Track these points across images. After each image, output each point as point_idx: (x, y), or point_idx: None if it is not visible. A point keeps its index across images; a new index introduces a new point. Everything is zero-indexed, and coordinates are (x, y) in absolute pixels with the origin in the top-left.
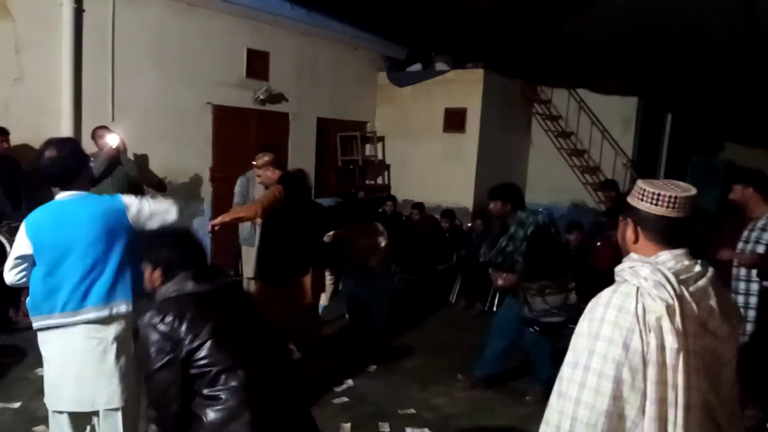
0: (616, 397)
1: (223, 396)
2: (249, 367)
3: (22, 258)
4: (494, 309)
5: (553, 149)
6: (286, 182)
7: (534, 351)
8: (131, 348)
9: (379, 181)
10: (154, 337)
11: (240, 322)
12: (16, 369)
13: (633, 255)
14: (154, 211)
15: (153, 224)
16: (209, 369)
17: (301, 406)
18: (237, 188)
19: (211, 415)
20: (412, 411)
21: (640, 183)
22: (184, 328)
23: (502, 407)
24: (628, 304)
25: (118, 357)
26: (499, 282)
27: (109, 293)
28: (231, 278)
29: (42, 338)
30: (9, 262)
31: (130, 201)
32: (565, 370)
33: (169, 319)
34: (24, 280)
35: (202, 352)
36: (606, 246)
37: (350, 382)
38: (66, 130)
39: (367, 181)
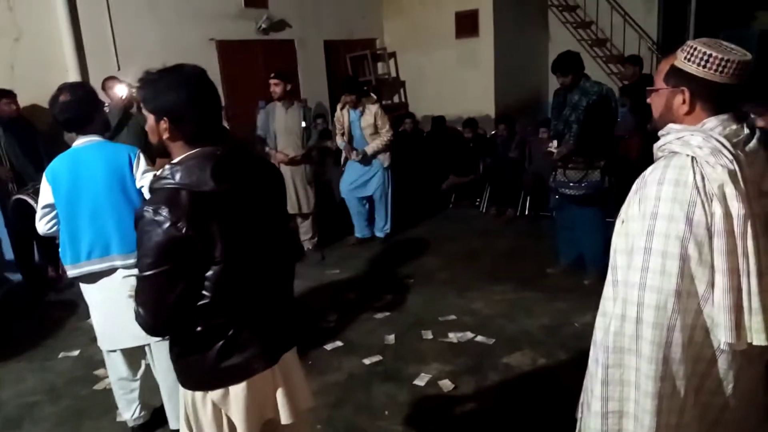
0: (684, 275)
1: (211, 291)
2: (247, 265)
3: (49, 207)
4: (525, 213)
5: (574, 42)
6: None
7: (584, 236)
8: None
9: (396, 99)
10: (154, 233)
11: (251, 220)
12: (70, 321)
13: (674, 126)
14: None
15: (146, 188)
16: (207, 270)
17: (289, 306)
18: (258, 123)
19: (202, 310)
20: (453, 317)
21: (698, 47)
22: (189, 226)
23: (540, 305)
24: (685, 177)
25: None
26: (554, 151)
27: (132, 242)
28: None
29: (83, 286)
30: (38, 213)
31: (141, 160)
32: (619, 257)
33: (173, 214)
34: (54, 228)
35: (208, 255)
36: (637, 136)
37: (389, 296)
38: None
39: (383, 101)
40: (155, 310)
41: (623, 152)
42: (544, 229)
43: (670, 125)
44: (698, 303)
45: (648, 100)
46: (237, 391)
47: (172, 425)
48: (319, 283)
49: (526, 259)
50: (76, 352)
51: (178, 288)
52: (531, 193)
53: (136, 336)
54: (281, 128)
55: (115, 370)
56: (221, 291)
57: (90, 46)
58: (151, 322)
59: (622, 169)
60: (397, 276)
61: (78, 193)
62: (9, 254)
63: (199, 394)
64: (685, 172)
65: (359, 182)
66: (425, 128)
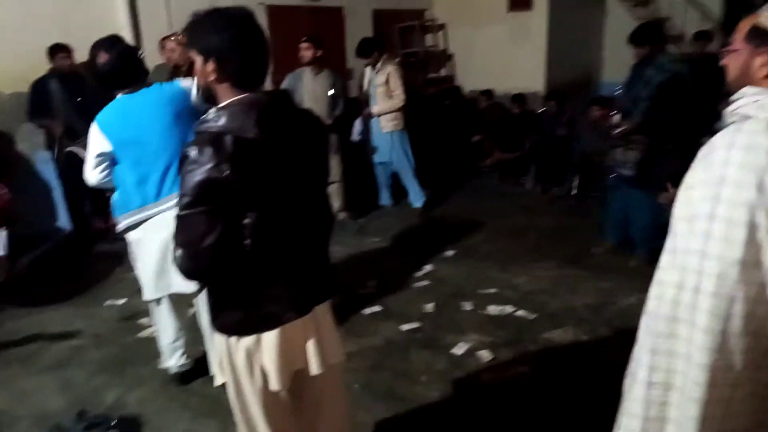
0: (750, 244)
1: (248, 239)
2: (286, 216)
3: (102, 156)
4: (572, 192)
5: (631, 21)
6: None
7: (636, 217)
8: None
9: (443, 72)
10: (196, 173)
11: (291, 171)
12: (115, 272)
13: (748, 90)
14: None
15: None
16: (245, 217)
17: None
18: (284, 84)
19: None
20: (494, 290)
21: None
22: (231, 170)
23: (585, 282)
24: (759, 142)
25: None
26: (615, 124)
27: None
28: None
29: (133, 235)
30: (89, 162)
31: (189, 84)
32: (680, 225)
33: (216, 156)
34: (108, 178)
35: (246, 202)
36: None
37: (429, 267)
38: None
39: (430, 74)
40: (192, 251)
41: None
42: (590, 208)
43: (745, 89)
44: (764, 275)
45: (723, 62)
46: (269, 339)
47: (214, 371)
48: (359, 250)
49: (570, 237)
50: (121, 301)
51: (215, 231)
52: (579, 172)
53: (187, 283)
54: (308, 95)
55: (161, 317)
56: (258, 240)
57: (143, 5)
58: (188, 264)
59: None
60: (438, 247)
61: (138, 136)
62: (61, 205)
63: (233, 339)
64: (758, 137)
65: (374, 145)
66: (473, 102)
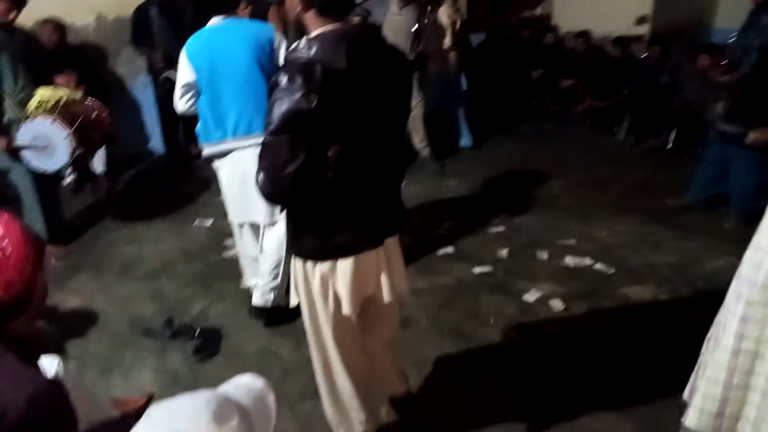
0: None
1: (331, 170)
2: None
3: (188, 86)
4: (668, 146)
5: None
6: None
7: (735, 177)
8: None
9: (539, 10)
10: (286, 100)
11: (375, 105)
12: (203, 195)
13: None
14: None
15: None
16: (329, 148)
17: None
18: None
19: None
20: (572, 242)
21: None
22: (319, 100)
23: (669, 241)
24: None
25: None
26: (718, 77)
27: None
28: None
29: (217, 164)
30: (177, 91)
31: (280, 38)
32: None
33: (307, 86)
34: (193, 108)
35: (331, 132)
36: None
37: (506, 214)
38: None
39: (525, 12)
40: (275, 177)
41: None
42: (684, 163)
43: None
44: None
45: None
46: (344, 266)
47: (255, 301)
48: (437, 191)
49: (660, 193)
50: (208, 222)
51: (298, 159)
52: (678, 124)
53: (262, 214)
54: (390, 27)
55: (243, 241)
56: (340, 171)
57: None
58: (270, 189)
59: None
60: (517, 195)
61: (220, 71)
62: (156, 129)
63: (309, 264)
64: None
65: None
66: (568, 44)
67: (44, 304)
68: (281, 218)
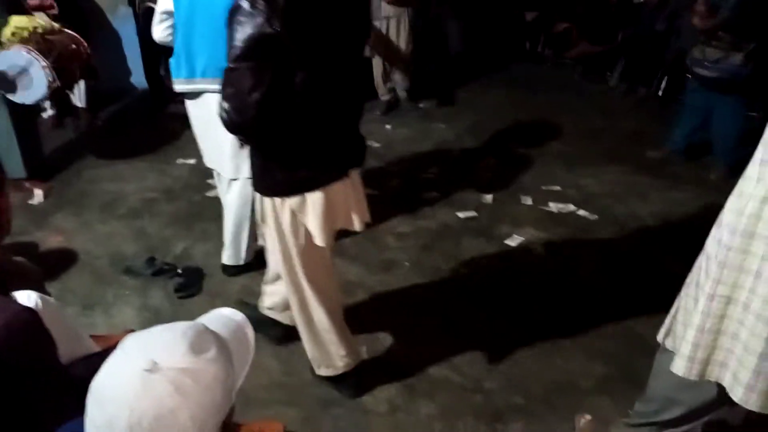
0: None
1: (294, 98)
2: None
3: (167, 13)
4: (660, 94)
5: None
6: None
7: (718, 126)
8: None
9: None
10: (248, 25)
11: (338, 32)
12: (186, 132)
13: None
14: None
15: None
16: (293, 75)
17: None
18: None
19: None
20: (557, 188)
21: None
22: (282, 24)
23: (656, 191)
24: None
25: None
26: (694, 21)
27: None
28: None
29: (188, 103)
30: (156, 17)
31: None
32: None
33: (269, 9)
34: (171, 38)
35: (295, 58)
36: None
37: (492, 159)
38: None
39: None
40: (239, 105)
41: None
42: (676, 113)
43: None
44: None
45: None
46: (314, 199)
47: (224, 259)
48: (424, 134)
49: (650, 143)
50: (191, 161)
51: (262, 86)
52: (670, 72)
53: (227, 166)
54: None
55: (220, 186)
56: (306, 99)
57: None
58: (234, 118)
59: None
60: (506, 140)
61: (198, 7)
62: (138, 63)
63: (278, 201)
64: None
65: None
66: None
67: (8, 231)
68: (245, 175)
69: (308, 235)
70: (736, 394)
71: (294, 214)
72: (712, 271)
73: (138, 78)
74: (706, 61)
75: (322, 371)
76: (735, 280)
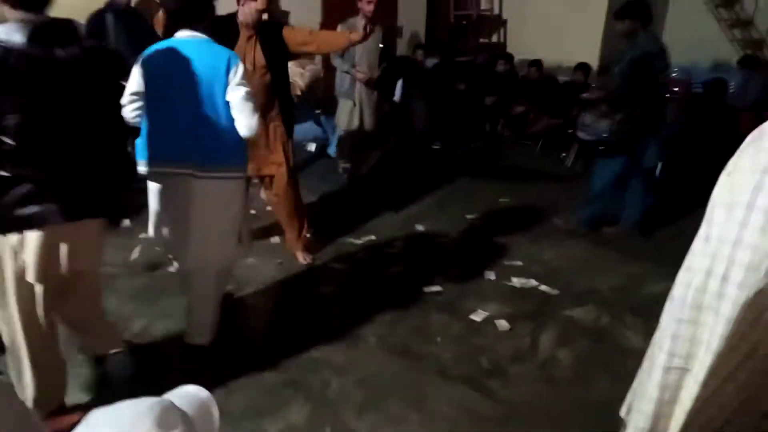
0: None
1: (13, 139)
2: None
3: (137, 95)
4: None
5: (697, 1)
6: None
7: (596, 184)
8: (232, 213)
9: (494, 38)
10: None
11: (62, 86)
12: None
13: None
14: (240, 101)
15: (234, 104)
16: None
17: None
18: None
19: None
20: (519, 263)
21: None
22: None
23: (616, 264)
24: None
25: (218, 219)
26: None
27: (212, 154)
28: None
29: (150, 185)
30: (125, 98)
31: (240, 72)
32: (717, 211)
33: None
34: (139, 118)
35: (7, 105)
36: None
37: (453, 233)
38: None
39: (481, 39)
40: None
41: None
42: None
43: None
44: None
45: None
46: (32, 238)
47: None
48: (391, 209)
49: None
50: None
51: None
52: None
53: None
54: (361, 46)
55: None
56: (24, 141)
57: None
58: None
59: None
60: (465, 215)
61: (168, 89)
62: None
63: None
64: None
65: None
66: (521, 72)
67: None
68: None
69: (24, 268)
70: None
71: (14, 250)
72: (665, 344)
73: None
74: (584, 124)
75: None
76: (688, 351)
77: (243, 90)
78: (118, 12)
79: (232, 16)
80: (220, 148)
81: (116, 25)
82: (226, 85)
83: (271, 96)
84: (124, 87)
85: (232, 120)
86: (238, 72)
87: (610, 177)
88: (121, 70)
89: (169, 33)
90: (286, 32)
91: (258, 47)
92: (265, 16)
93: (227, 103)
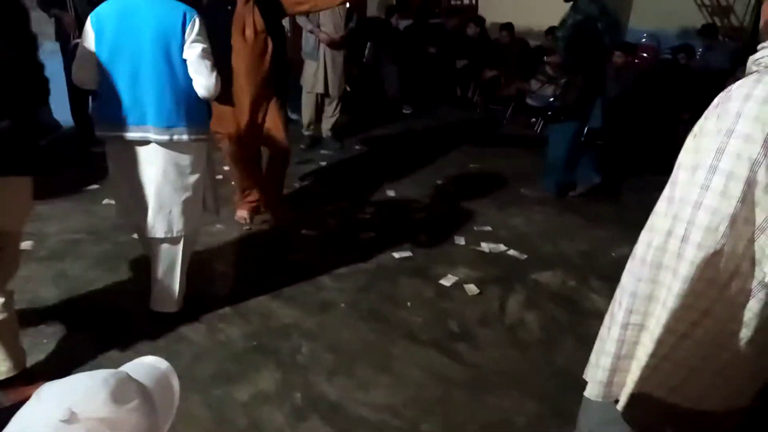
0: (746, 201)
1: None
2: None
3: (88, 55)
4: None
5: None
6: None
7: (549, 150)
8: (194, 178)
9: (466, 1)
10: None
11: None
12: None
13: None
14: (196, 59)
15: (190, 62)
16: None
17: None
18: None
19: None
20: (488, 228)
21: None
22: None
23: (581, 229)
24: None
25: (180, 183)
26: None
27: (170, 116)
28: None
29: (107, 148)
30: (76, 60)
31: (197, 28)
32: (681, 173)
33: None
34: (92, 81)
35: None
36: None
37: (426, 199)
38: None
39: (452, 1)
40: None
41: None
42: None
43: None
44: (753, 232)
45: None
46: None
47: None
48: (361, 176)
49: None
50: None
51: None
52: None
53: (151, 225)
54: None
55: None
56: None
57: None
58: None
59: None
60: (439, 181)
61: (121, 48)
62: (64, 100)
63: None
64: None
65: None
66: (492, 35)
67: None
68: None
69: None
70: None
71: None
72: (624, 301)
73: (64, 116)
74: (530, 91)
75: None
76: (646, 308)
77: (200, 47)
78: None
79: None
80: (179, 109)
81: None
82: (183, 42)
83: (272, 60)
84: (34, 38)
85: (190, 79)
86: (194, 27)
87: (563, 143)
88: (25, 19)
89: None
90: None
91: (256, 10)
92: None
93: (185, 61)
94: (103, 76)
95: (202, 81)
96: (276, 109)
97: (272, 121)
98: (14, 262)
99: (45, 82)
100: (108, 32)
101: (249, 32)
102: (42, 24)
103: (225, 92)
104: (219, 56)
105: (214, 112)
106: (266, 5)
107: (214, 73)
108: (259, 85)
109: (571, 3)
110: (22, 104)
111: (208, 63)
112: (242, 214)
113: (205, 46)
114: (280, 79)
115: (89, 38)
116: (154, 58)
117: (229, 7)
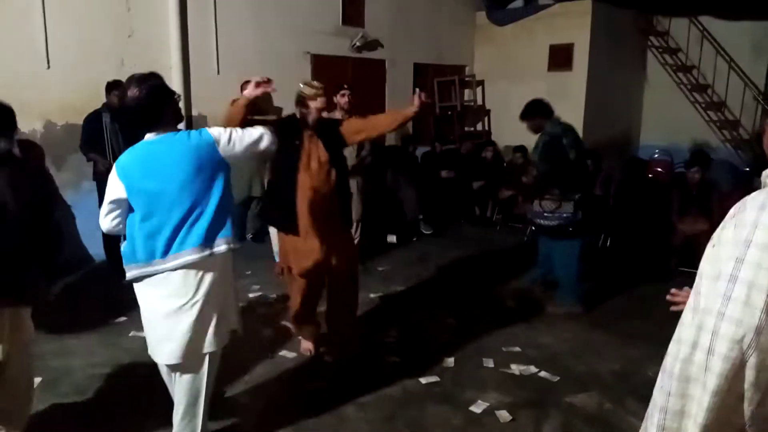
0: None
1: None
2: None
3: (116, 203)
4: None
5: (672, 85)
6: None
7: (559, 267)
8: (229, 291)
9: (479, 126)
10: None
11: None
12: None
13: None
14: (244, 138)
15: (244, 154)
16: None
17: None
18: None
19: None
20: (517, 348)
21: None
22: None
23: (613, 348)
24: None
25: (209, 306)
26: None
27: (208, 233)
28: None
29: (138, 288)
30: (104, 208)
31: (218, 132)
32: (705, 283)
33: None
34: (120, 226)
35: None
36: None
37: (451, 320)
38: (176, 84)
39: (466, 128)
40: None
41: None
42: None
43: None
44: None
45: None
46: None
47: None
48: (383, 297)
49: (602, 300)
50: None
51: None
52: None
53: (167, 354)
54: None
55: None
56: None
57: (194, 49)
58: None
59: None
60: (463, 301)
61: (153, 188)
62: (98, 235)
63: None
64: None
65: None
66: (506, 157)
67: None
68: (191, 359)
69: None
70: None
71: None
72: (656, 416)
73: (96, 249)
74: (545, 212)
75: None
76: (678, 425)
77: (233, 133)
78: (113, 113)
79: (292, 117)
80: (212, 225)
81: (112, 124)
82: (216, 155)
83: (335, 189)
84: (49, 181)
85: (225, 196)
86: (214, 131)
87: (572, 260)
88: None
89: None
90: (344, 125)
91: (320, 143)
92: (324, 114)
93: (218, 177)
94: (137, 218)
95: (256, 136)
96: (347, 239)
97: (342, 252)
98: (24, 396)
99: (58, 234)
100: (135, 177)
101: (314, 165)
102: (84, 165)
103: (291, 224)
104: (286, 191)
105: (282, 247)
106: (328, 137)
107: (258, 126)
108: (326, 215)
109: (540, 131)
110: (33, 252)
111: (246, 129)
112: (308, 346)
113: (230, 130)
114: (346, 207)
115: (116, 185)
116: (189, 181)
117: (297, 142)
